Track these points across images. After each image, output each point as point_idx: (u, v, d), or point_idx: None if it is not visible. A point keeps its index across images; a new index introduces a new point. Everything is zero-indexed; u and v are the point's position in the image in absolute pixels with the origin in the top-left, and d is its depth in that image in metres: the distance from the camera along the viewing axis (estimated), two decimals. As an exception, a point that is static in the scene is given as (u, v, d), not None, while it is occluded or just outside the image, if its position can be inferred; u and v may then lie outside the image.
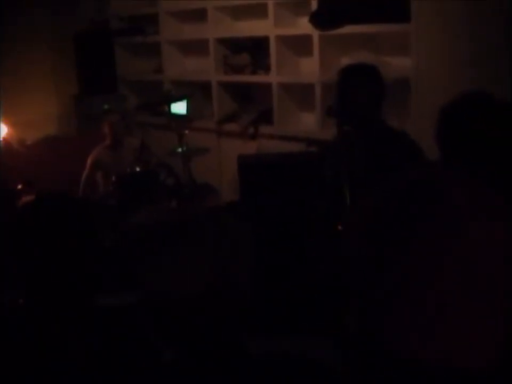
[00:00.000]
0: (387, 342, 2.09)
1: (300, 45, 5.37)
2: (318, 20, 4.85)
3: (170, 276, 1.70)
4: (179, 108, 5.33)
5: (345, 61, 4.92)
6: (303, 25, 5.14)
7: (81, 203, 2.09)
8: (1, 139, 5.66)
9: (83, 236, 1.98)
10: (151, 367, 1.87)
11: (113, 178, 4.85)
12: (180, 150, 4.99)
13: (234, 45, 5.90)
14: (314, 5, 4.91)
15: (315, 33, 5.00)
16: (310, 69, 5.27)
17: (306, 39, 5.12)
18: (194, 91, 5.97)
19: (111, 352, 1.91)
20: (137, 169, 4.97)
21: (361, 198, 2.47)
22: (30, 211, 2.01)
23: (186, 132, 5.08)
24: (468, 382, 1.98)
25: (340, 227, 3.05)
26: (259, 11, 5.51)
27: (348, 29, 4.74)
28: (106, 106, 5.69)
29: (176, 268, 1.69)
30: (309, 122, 5.48)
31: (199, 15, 6.01)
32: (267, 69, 5.57)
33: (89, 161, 5.49)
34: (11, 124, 5.82)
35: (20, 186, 4.81)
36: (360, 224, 2.34)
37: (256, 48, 5.72)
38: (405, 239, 2.13)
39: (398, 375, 2.06)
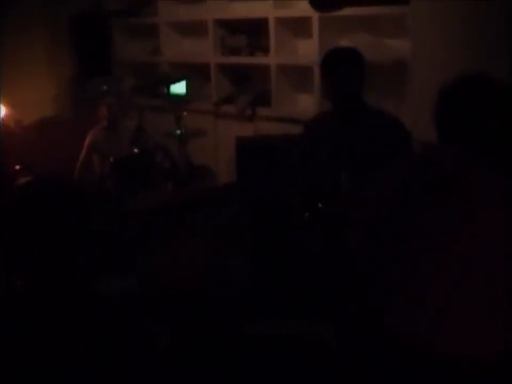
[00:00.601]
0: (391, 332, 2.08)
1: (298, 26, 5.34)
2: (317, 1, 4.82)
3: (167, 260, 1.70)
4: (178, 88, 5.30)
5: (344, 42, 4.90)
6: (303, 7, 5.11)
7: (75, 188, 2.08)
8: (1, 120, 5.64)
9: (77, 221, 1.97)
10: (148, 352, 1.87)
11: (111, 159, 4.84)
12: (178, 132, 4.98)
13: (232, 27, 5.86)
14: (313, -14, 4.88)
15: (314, 15, 4.97)
16: (308, 51, 5.24)
17: (306, 21, 5.09)
18: (191, 73, 5.94)
19: (109, 338, 1.91)
20: (134, 151, 4.96)
21: (364, 187, 2.45)
22: (23, 197, 2.00)
23: (185, 113, 5.06)
24: (470, 375, 1.98)
25: (319, 205, 3.12)
26: (258, -8, 5.48)
27: (347, 11, 4.72)
28: (104, 87, 5.66)
29: (173, 252, 1.69)
30: (306, 104, 5.46)
31: (197, -4, 5.97)
32: (265, 51, 5.54)
33: (86, 143, 5.47)
34: (8, 104, 5.80)
35: (17, 167, 4.81)
36: (364, 214, 2.33)
37: (254, 30, 5.68)
38: (406, 232, 2.12)
39: (401, 366, 2.06)
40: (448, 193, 2.07)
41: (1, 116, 5.75)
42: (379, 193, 2.29)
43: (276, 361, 1.77)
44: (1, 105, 5.80)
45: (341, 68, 3.33)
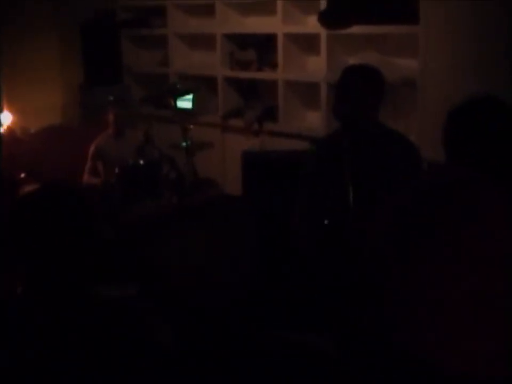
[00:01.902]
0: (400, 342, 2.09)
1: (307, 43, 5.37)
2: (326, 18, 4.84)
3: (169, 266, 1.70)
4: (185, 102, 5.32)
5: (353, 60, 4.92)
6: (312, 24, 5.14)
7: (78, 195, 2.09)
8: (4, 128, 5.65)
9: (80, 228, 1.97)
10: (149, 353, 1.88)
11: (116, 169, 4.84)
12: (184, 144, 4.99)
13: (241, 41, 5.89)
14: (323, 4, 4.90)
15: (323, 32, 5.00)
16: (316, 67, 5.26)
17: (314, 37, 5.12)
18: (199, 85, 5.96)
19: (110, 339, 1.91)
20: (140, 161, 4.97)
21: (386, 197, 2.45)
22: (28, 203, 2.01)
23: (191, 126, 5.07)
24: None
25: (326, 221, 3.10)
26: (267, 8, 5.51)
27: (356, 29, 4.74)
28: (111, 98, 5.68)
29: (175, 259, 1.70)
30: (313, 120, 5.48)
31: (207, 10, 5.99)
32: (273, 66, 5.56)
33: (91, 149, 5.48)
34: (16, 112, 5.82)
35: (22, 175, 4.81)
36: (384, 223, 2.33)
37: (263, 45, 5.71)
38: (417, 251, 2.13)
39: (408, 379, 2.06)
40: (457, 213, 2.08)
41: (8, 123, 5.76)
42: (392, 213, 2.30)
43: (276, 362, 1.78)
44: (8, 113, 5.82)
45: (358, 86, 3.18)
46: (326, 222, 3.11)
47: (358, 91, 3.17)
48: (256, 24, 5.81)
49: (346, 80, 3.23)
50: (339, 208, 3.09)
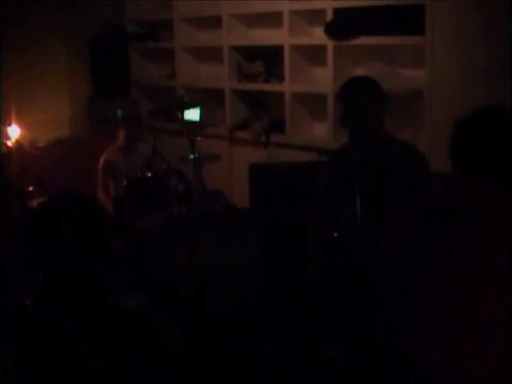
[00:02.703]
0: (407, 357, 2.08)
1: (314, 54, 5.38)
2: (333, 30, 4.86)
3: (180, 277, 1.70)
4: (192, 114, 5.34)
5: (359, 72, 4.93)
6: (318, 35, 5.16)
7: (91, 204, 2.10)
8: (12, 141, 5.67)
9: (93, 237, 1.98)
10: (159, 356, 1.89)
11: (124, 182, 4.86)
12: (191, 156, 5.00)
13: (249, 53, 5.91)
14: (329, 15, 4.92)
15: (330, 44, 5.01)
16: (323, 79, 5.27)
17: (321, 49, 5.13)
18: (207, 98, 5.98)
19: (120, 343, 1.92)
20: (148, 174, 4.99)
21: (395, 208, 2.45)
22: (42, 212, 2.02)
23: (199, 138, 5.09)
24: None
25: (335, 234, 3.13)
26: (274, 20, 5.53)
27: (362, 40, 4.75)
28: (119, 112, 5.70)
29: (185, 267, 1.70)
30: (321, 132, 5.48)
31: (214, 22, 6.02)
32: (280, 78, 5.58)
33: (101, 163, 5.49)
34: (24, 125, 5.83)
35: (31, 188, 4.83)
36: (394, 234, 2.32)
37: (270, 57, 5.73)
38: (424, 264, 2.12)
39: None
40: (466, 226, 2.07)
41: (16, 137, 5.78)
42: (400, 225, 2.29)
43: (284, 366, 1.78)
44: (17, 126, 5.84)
45: (356, 96, 3.32)
46: (335, 234, 3.12)
47: (356, 102, 3.29)
48: (263, 36, 5.84)
49: (343, 94, 3.36)
50: (348, 220, 3.10)
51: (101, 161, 5.49)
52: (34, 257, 1.96)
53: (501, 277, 1.98)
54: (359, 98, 3.30)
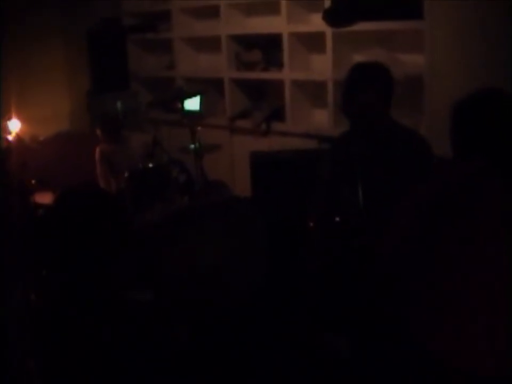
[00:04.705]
0: (415, 341, 2.09)
1: (312, 41, 5.36)
2: (331, 16, 4.84)
3: (184, 271, 1.70)
4: (192, 104, 5.33)
5: (358, 58, 4.91)
6: (316, 22, 5.14)
7: (108, 197, 2.11)
8: (13, 135, 5.67)
9: (110, 229, 1.99)
10: (165, 352, 1.90)
11: (126, 174, 4.86)
12: (192, 146, 5.00)
13: (247, 42, 5.89)
14: (327, 2, 4.90)
15: (328, 30, 4.99)
16: (322, 66, 5.26)
17: (319, 36, 5.11)
18: (206, 88, 5.97)
19: (126, 339, 1.93)
20: (150, 165, 4.99)
21: (404, 195, 2.43)
22: (59, 205, 2.02)
23: (199, 128, 5.08)
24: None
25: (337, 219, 3.09)
26: (272, 8, 5.51)
27: (361, 26, 4.73)
28: (119, 104, 5.69)
29: (185, 261, 1.70)
30: (321, 119, 5.47)
31: (212, 12, 6.00)
32: (279, 66, 5.56)
33: (97, 153, 5.46)
34: (24, 119, 5.84)
35: (33, 182, 4.83)
36: (405, 221, 2.31)
37: (269, 45, 5.71)
38: (432, 248, 2.12)
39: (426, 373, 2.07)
40: (471, 209, 2.07)
41: (17, 131, 5.78)
42: (413, 210, 2.28)
43: (290, 363, 1.78)
44: (17, 120, 5.84)
45: (366, 84, 3.15)
46: (337, 219, 3.11)
47: (367, 90, 3.13)
48: (261, 25, 5.82)
49: (355, 79, 3.20)
50: (349, 206, 3.09)
51: (97, 151, 5.48)
52: (44, 251, 1.96)
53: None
54: (370, 85, 3.14)
